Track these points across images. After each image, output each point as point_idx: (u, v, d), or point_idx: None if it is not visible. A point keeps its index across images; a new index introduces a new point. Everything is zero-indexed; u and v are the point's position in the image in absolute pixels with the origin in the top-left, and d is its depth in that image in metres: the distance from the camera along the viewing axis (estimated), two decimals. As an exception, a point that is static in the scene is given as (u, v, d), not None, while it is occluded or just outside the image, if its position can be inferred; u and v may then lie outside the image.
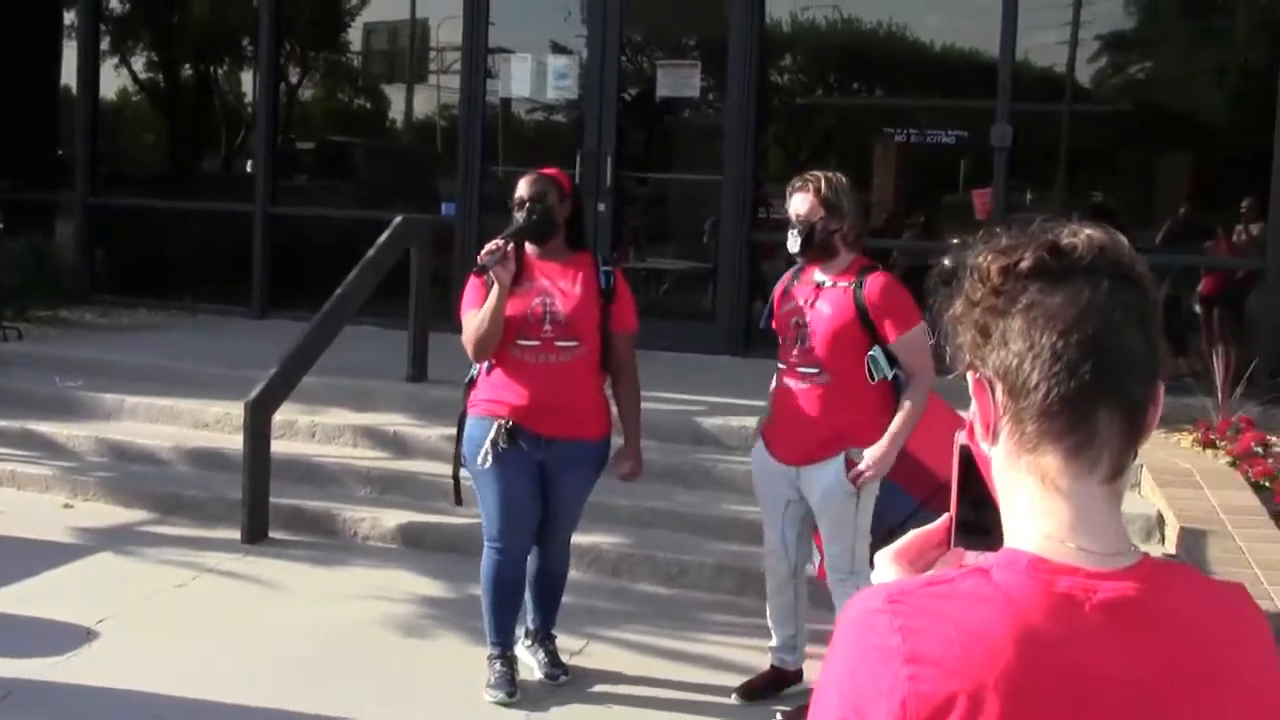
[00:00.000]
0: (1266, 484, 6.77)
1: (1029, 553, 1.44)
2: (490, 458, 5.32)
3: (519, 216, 5.42)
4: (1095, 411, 1.44)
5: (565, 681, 5.63)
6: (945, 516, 1.60)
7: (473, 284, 5.50)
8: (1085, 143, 10.96)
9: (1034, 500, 1.47)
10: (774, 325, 5.48)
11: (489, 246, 5.27)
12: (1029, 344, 1.45)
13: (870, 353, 5.19)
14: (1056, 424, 1.44)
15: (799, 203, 5.29)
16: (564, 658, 5.76)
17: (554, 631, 5.78)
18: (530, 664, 5.68)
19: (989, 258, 1.50)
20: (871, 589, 1.50)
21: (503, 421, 5.33)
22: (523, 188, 5.47)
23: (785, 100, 11.68)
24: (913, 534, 1.62)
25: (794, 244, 5.32)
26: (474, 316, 5.38)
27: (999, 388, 1.48)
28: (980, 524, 1.56)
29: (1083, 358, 1.43)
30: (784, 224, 5.46)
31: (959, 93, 11.09)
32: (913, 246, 11.15)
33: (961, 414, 5.14)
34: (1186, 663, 1.41)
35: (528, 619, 5.73)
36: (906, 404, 5.21)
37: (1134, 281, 1.47)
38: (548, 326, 5.34)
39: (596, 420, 5.53)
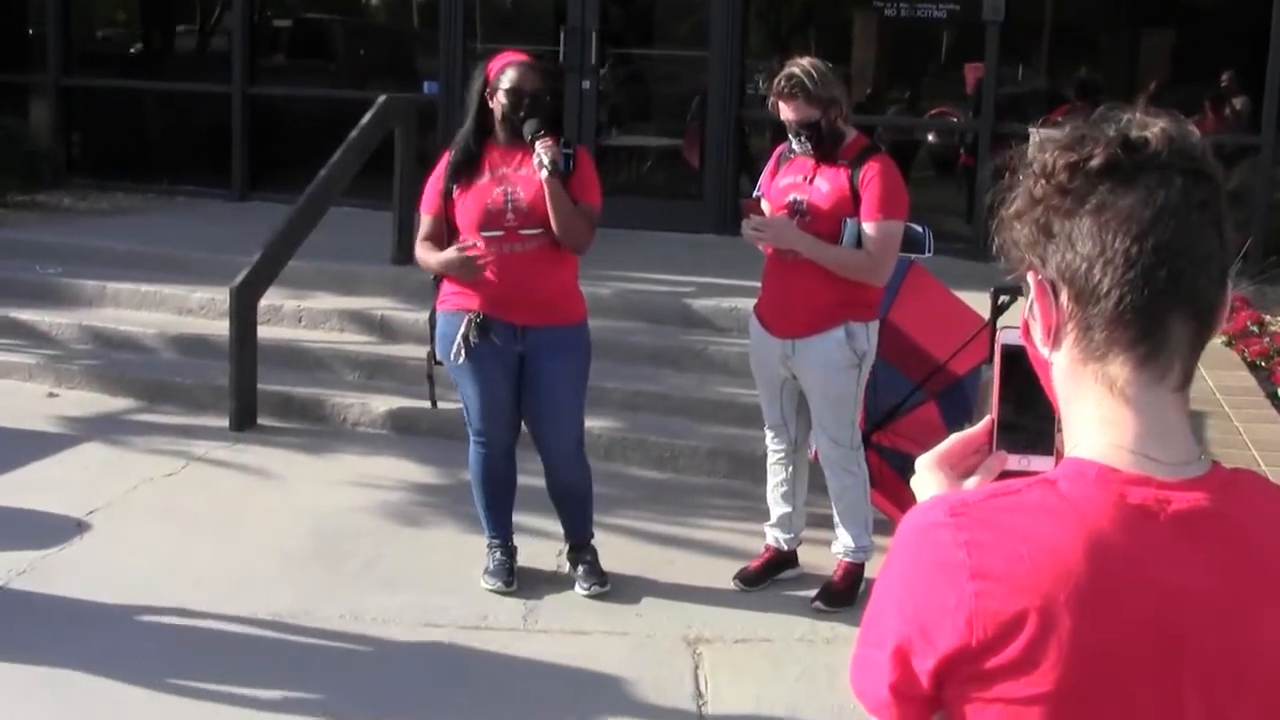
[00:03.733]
0: (1262, 364, 6.74)
1: (1097, 462, 1.38)
2: (463, 353, 5.24)
3: (516, 113, 5.16)
4: (1168, 318, 1.37)
5: (602, 591, 5.44)
6: (987, 419, 1.53)
7: (434, 182, 5.37)
8: (1072, 16, 10.80)
9: (1100, 409, 1.40)
10: (767, 198, 5.42)
11: (552, 149, 5.08)
12: (1099, 248, 1.36)
13: (849, 218, 5.13)
14: (1128, 332, 1.37)
15: (792, 110, 5.16)
16: (556, 545, 5.72)
17: (593, 543, 5.59)
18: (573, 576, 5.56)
19: (1055, 153, 1.40)
20: (930, 500, 1.44)
21: (472, 315, 5.22)
22: (515, 77, 5.20)
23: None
24: (954, 437, 1.55)
25: (804, 148, 5.23)
26: (427, 250, 5.31)
27: (1064, 291, 1.40)
28: (1022, 425, 1.51)
29: (1158, 263, 1.35)
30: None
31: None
32: (897, 122, 11.03)
33: (959, 296, 5.06)
34: (1260, 574, 1.36)
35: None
36: (849, 250, 5.14)
37: (1208, 176, 1.39)
38: (510, 215, 5.17)
39: (570, 305, 5.39)
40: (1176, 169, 1.37)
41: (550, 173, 5.07)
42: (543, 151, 5.07)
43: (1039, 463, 1.50)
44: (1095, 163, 1.37)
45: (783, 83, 5.18)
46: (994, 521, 1.35)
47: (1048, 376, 1.47)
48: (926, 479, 1.53)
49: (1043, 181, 1.40)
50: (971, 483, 1.50)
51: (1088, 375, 1.41)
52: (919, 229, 5.67)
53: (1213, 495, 1.37)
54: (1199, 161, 1.39)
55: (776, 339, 5.34)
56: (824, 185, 5.21)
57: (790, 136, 5.27)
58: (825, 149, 5.20)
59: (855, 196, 5.15)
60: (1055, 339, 1.43)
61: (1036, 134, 1.49)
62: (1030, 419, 1.50)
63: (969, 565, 1.33)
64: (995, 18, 9.75)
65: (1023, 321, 1.47)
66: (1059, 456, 1.49)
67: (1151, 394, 1.39)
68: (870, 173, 5.15)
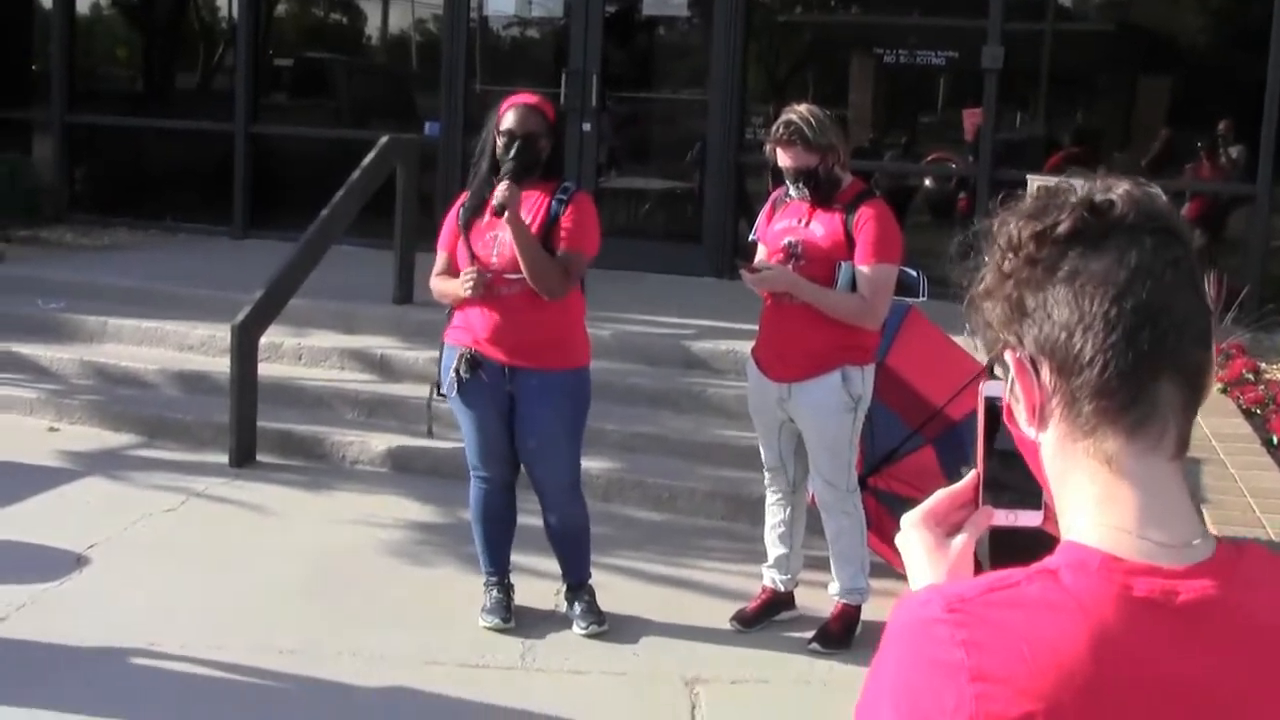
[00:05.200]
0: (1258, 411, 6.78)
1: (1099, 550, 1.32)
2: (455, 386, 5.30)
3: (506, 153, 5.20)
4: (1157, 382, 1.33)
5: (599, 631, 5.46)
6: (972, 473, 1.50)
7: (449, 221, 5.44)
8: (1069, 64, 10.89)
9: (1095, 485, 1.35)
10: (763, 241, 5.47)
11: (503, 190, 5.08)
12: (1078, 315, 1.32)
13: (843, 262, 5.18)
14: (1116, 401, 1.32)
15: (790, 157, 5.22)
16: (554, 584, 5.73)
17: (591, 583, 5.60)
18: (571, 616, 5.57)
19: (1020, 224, 1.37)
20: (926, 592, 1.37)
21: (464, 351, 5.29)
22: (512, 120, 5.24)
23: (769, 18, 11.53)
24: (940, 493, 1.52)
25: (801, 194, 5.28)
26: (442, 281, 5.40)
27: (1045, 366, 1.36)
28: (1009, 480, 1.48)
29: (1139, 324, 1.31)
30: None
31: (946, 10, 10.97)
32: (895, 168, 11.11)
33: (956, 340, 5.06)
34: (1271, 664, 1.31)
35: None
36: (843, 294, 5.19)
37: (1177, 236, 1.36)
38: (495, 259, 5.23)
39: (561, 350, 5.35)
40: (1145, 230, 1.34)
41: (497, 214, 5.12)
42: (499, 192, 5.12)
43: (1026, 518, 1.47)
44: (1062, 229, 1.34)
45: (781, 129, 5.23)
46: (993, 619, 1.28)
47: (1036, 459, 1.42)
48: (912, 536, 1.50)
49: (1010, 255, 1.37)
50: (958, 541, 1.48)
51: (1079, 452, 1.36)
52: (913, 273, 5.71)
53: (1220, 581, 1.31)
54: (1166, 221, 1.36)
55: (773, 382, 5.37)
56: (819, 229, 5.26)
57: (788, 182, 5.32)
58: (822, 195, 5.25)
59: (850, 240, 5.20)
60: (1041, 418, 1.38)
61: (1030, 183, 1.46)
62: (1017, 473, 1.47)
63: (968, 666, 1.26)
64: (994, 65, 9.84)
65: (1005, 407, 1.43)
66: (1048, 511, 1.45)
67: (1147, 464, 1.35)
68: (864, 217, 5.20)
